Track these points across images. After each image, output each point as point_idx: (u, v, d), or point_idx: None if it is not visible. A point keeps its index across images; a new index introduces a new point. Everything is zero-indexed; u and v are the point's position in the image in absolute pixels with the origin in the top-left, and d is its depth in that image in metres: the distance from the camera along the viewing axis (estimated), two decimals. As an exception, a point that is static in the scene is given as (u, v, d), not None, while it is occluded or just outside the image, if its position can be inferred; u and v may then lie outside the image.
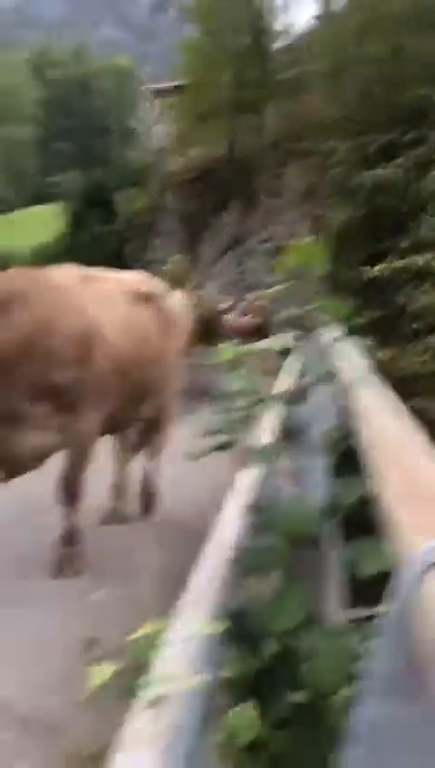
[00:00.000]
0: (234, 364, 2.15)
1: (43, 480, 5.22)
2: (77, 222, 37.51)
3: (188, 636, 1.58)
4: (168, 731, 1.18)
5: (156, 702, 1.27)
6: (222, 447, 2.11)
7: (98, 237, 34.40)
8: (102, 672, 2.51)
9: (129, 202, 36.50)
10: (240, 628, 1.93)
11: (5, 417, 3.98)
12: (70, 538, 4.74)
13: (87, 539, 4.93)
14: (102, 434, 5.06)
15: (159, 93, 41.76)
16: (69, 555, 4.70)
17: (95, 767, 2.60)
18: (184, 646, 1.55)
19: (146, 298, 5.35)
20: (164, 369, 5.49)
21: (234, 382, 2.08)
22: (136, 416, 5.49)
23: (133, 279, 5.71)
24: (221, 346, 2.20)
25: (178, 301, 6.59)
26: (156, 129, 42.25)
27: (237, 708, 1.54)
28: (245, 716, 1.48)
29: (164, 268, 14.43)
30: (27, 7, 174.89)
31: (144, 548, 4.99)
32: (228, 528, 2.49)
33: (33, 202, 70.55)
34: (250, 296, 18.10)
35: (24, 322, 3.98)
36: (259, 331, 11.56)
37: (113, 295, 4.95)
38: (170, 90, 37.47)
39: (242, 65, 29.16)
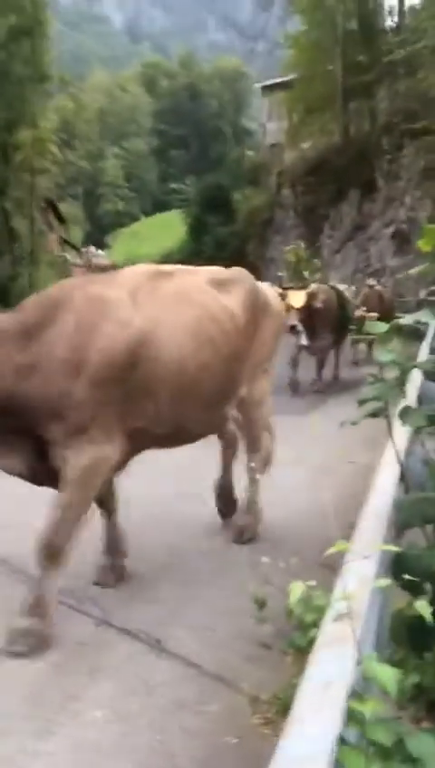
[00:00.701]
0: (385, 338, 2.40)
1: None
2: (198, 226, 38.66)
3: (362, 573, 1.94)
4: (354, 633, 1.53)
5: (342, 616, 1.63)
6: (375, 414, 2.41)
7: (219, 239, 35.23)
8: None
9: (246, 202, 37.13)
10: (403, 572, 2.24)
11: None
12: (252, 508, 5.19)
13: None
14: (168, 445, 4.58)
15: (269, 90, 42.08)
16: (248, 524, 5.18)
17: (272, 709, 3.04)
18: (359, 577, 1.92)
19: (229, 284, 4.77)
20: (253, 358, 4.91)
21: (385, 355, 2.33)
22: (221, 415, 4.87)
23: (216, 270, 5.02)
24: (373, 322, 2.47)
25: (268, 288, 5.53)
26: (268, 126, 42.57)
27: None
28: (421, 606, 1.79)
29: (285, 252, 13.48)
30: (136, 24, 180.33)
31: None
32: (386, 483, 2.85)
33: (154, 211, 73.12)
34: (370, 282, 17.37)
35: (58, 335, 3.68)
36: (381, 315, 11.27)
37: (188, 289, 4.41)
38: (279, 85, 37.73)
39: (350, 51, 28.93)
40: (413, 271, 3.15)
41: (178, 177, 60.11)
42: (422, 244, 2.35)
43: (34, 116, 29.32)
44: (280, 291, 10.96)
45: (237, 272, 5.12)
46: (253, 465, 5.21)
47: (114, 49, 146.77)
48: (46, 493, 3.90)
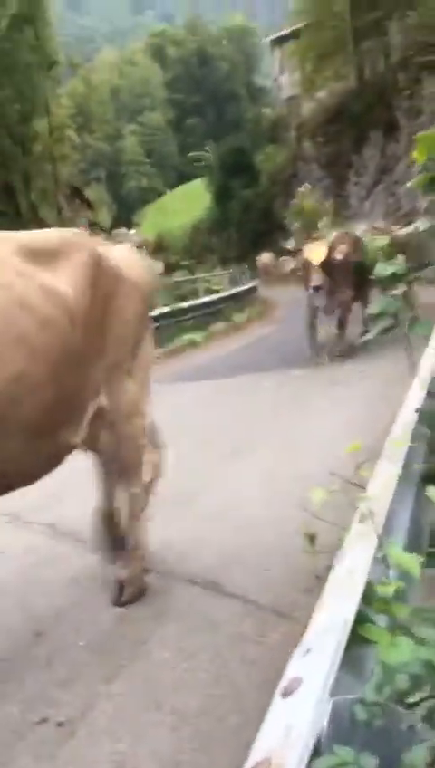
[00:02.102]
0: (388, 254, 2.42)
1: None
2: (222, 192, 38.31)
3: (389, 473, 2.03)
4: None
5: (365, 516, 1.72)
6: (387, 329, 2.45)
7: (245, 202, 34.91)
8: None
9: (268, 161, 36.60)
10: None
11: None
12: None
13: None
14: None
15: (278, 43, 41.15)
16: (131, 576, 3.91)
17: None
18: (384, 483, 2.00)
19: (54, 255, 3.29)
20: (107, 356, 3.54)
21: (386, 268, 2.35)
22: (61, 443, 3.53)
23: (35, 235, 3.62)
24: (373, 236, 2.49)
25: (123, 253, 3.83)
26: (281, 80, 41.75)
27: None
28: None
29: (292, 201, 12.09)
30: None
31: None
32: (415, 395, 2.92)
33: (178, 183, 72.75)
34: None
35: None
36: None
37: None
38: (288, 36, 36.85)
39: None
40: (410, 184, 3.11)
41: (198, 145, 59.51)
42: (417, 155, 2.35)
43: (48, 104, 29.35)
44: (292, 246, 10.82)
45: (69, 236, 3.61)
46: (132, 493, 3.93)
47: (118, 23, 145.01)
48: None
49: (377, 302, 2.32)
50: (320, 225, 10.99)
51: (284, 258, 12.08)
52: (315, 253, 10.32)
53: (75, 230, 3.92)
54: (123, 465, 3.92)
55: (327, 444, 6.02)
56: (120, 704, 2.89)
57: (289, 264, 11.39)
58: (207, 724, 2.71)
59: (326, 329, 11.06)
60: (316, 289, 10.30)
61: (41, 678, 3.13)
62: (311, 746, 1.01)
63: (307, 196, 11.71)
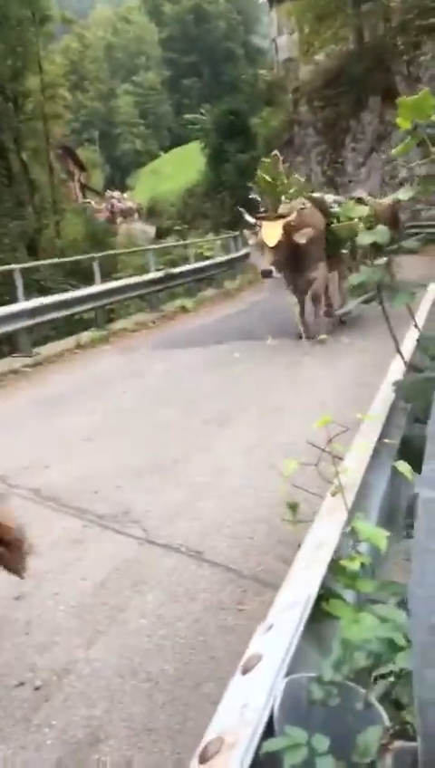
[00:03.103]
0: (368, 221, 2.37)
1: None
2: (217, 155, 37.70)
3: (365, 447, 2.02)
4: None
5: (337, 490, 1.71)
6: (367, 301, 2.42)
7: (240, 166, 34.40)
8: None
9: (264, 124, 35.98)
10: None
11: None
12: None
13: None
14: None
15: (277, 1, 40.14)
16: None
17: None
18: (359, 457, 1.99)
19: None
20: None
21: (367, 237, 2.30)
22: None
23: None
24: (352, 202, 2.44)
25: None
26: (279, 41, 40.85)
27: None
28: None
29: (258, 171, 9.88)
30: None
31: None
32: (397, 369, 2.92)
33: (172, 146, 71.59)
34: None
35: None
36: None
37: None
38: (287, -5, 35.93)
39: None
40: (393, 151, 3.05)
41: (194, 106, 58.43)
42: (400, 122, 2.29)
43: (40, 60, 28.63)
44: (253, 221, 9.26)
45: None
46: None
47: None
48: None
49: (358, 272, 2.28)
50: (284, 198, 9.44)
51: (248, 232, 9.98)
52: (270, 232, 8.94)
53: None
54: None
55: (313, 414, 6.03)
56: (97, 669, 2.92)
57: (251, 239, 9.66)
58: (181, 691, 2.73)
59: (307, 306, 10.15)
60: (265, 274, 9.10)
61: (19, 642, 3.15)
62: (263, 725, 1.01)
63: (272, 164, 9.78)
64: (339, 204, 10.28)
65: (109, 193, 54.99)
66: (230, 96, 46.20)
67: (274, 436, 5.66)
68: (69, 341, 11.23)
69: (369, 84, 26.62)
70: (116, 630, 3.17)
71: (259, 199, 9.93)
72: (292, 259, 9.24)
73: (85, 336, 11.44)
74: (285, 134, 32.90)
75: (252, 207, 9.69)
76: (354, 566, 1.39)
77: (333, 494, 1.72)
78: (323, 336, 9.01)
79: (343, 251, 10.25)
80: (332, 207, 10.05)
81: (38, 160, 30.29)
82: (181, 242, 23.33)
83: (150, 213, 49.00)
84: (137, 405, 7.24)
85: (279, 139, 33.10)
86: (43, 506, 4.70)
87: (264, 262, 8.98)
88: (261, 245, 9.05)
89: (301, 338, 9.33)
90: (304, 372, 7.91)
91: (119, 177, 69.46)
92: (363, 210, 2.24)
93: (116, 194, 55.22)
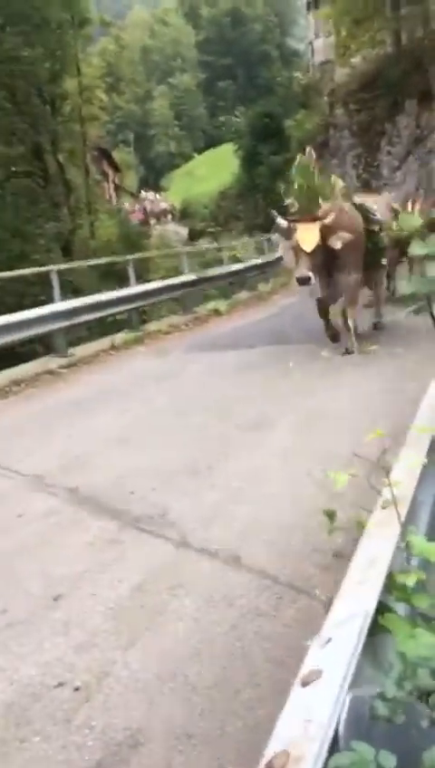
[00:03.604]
0: (423, 234, 2.33)
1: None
2: (251, 158, 37.73)
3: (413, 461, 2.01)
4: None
5: (388, 502, 1.70)
6: (418, 311, 2.39)
7: (274, 168, 34.35)
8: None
9: (299, 127, 35.91)
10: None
11: None
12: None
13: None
14: None
15: (314, 4, 40.04)
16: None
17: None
18: (409, 470, 1.98)
19: None
20: None
21: (420, 248, 2.26)
22: None
23: None
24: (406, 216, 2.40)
25: None
26: (315, 44, 40.76)
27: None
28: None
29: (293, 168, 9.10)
30: None
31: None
32: None
33: (206, 147, 71.85)
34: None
35: None
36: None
37: None
38: (325, -2, 35.86)
39: None
40: None
41: (228, 108, 58.54)
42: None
43: (78, 63, 28.91)
44: (286, 224, 8.50)
45: None
46: None
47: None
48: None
49: (409, 281, 2.26)
50: (321, 201, 8.59)
51: (279, 237, 9.36)
52: (306, 236, 8.25)
53: None
54: None
55: (348, 422, 6.01)
56: (135, 672, 2.93)
57: (283, 244, 8.97)
58: (220, 696, 2.74)
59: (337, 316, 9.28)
60: (303, 281, 8.20)
61: (58, 643, 3.18)
62: (329, 741, 1.01)
63: (306, 164, 8.95)
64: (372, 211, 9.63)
65: (143, 194, 55.42)
66: (265, 98, 46.25)
67: (310, 443, 5.65)
68: (103, 342, 11.32)
69: (405, 88, 26.40)
70: (153, 634, 3.19)
71: (292, 203, 9.01)
72: (326, 264, 8.60)
73: (119, 337, 11.53)
74: (319, 137, 32.74)
75: (283, 212, 8.93)
76: (410, 581, 1.39)
77: (384, 507, 1.71)
78: (372, 347, 8.53)
79: (383, 261, 9.87)
80: (373, 215, 9.55)
81: (74, 162, 30.58)
82: (215, 244, 23.37)
83: (184, 214, 49.20)
84: (171, 407, 7.27)
85: (314, 142, 32.97)
86: (79, 506, 4.74)
87: (299, 268, 8.23)
88: (296, 250, 8.36)
89: (335, 342, 9.13)
90: (342, 378, 7.86)
91: (153, 179, 69.86)
92: (417, 221, 2.21)
93: (150, 195, 55.64)
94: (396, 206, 11.60)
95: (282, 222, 8.65)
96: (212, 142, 68.73)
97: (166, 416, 6.93)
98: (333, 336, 9.26)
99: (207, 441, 5.99)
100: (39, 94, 26.36)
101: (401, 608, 1.48)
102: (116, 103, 66.90)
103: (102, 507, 4.68)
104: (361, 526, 2.93)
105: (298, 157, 9.32)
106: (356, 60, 31.60)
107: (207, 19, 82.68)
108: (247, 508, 4.48)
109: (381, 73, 27.76)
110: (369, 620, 1.21)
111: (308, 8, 41.77)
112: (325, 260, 8.51)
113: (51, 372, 9.52)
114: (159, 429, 6.48)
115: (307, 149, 9.48)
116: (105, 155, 45.49)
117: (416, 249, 2.14)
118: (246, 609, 3.31)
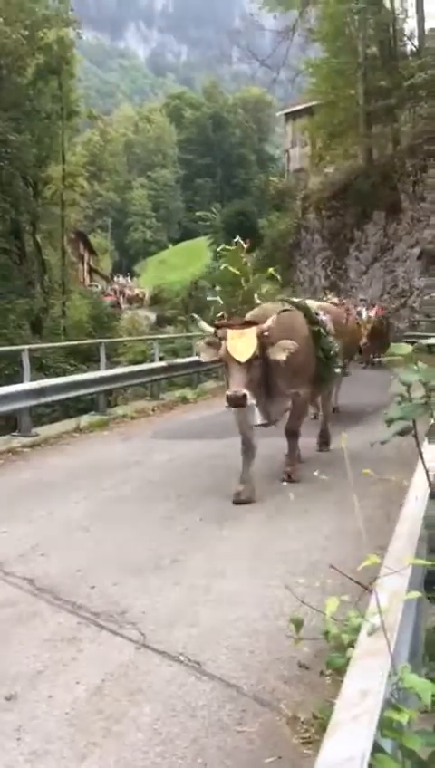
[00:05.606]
0: (410, 359, 2.40)
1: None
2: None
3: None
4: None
5: (375, 630, 1.68)
6: (403, 433, 2.44)
7: (246, 264, 35.44)
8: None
9: (272, 227, 37.41)
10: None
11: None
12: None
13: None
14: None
15: (292, 117, 42.59)
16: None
17: (311, 728, 3.07)
18: (392, 591, 1.97)
19: None
20: None
21: (411, 374, 2.33)
22: None
23: None
24: (396, 344, 2.45)
25: None
26: (292, 152, 43.03)
27: None
28: None
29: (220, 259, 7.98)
30: (160, 57, 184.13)
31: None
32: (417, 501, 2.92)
33: (181, 239, 74.10)
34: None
35: None
36: None
37: None
38: (302, 111, 38.18)
39: (372, 76, 29.18)
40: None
41: (205, 204, 60.78)
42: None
43: (64, 151, 30.00)
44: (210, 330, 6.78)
45: None
46: None
47: (139, 82, 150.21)
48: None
49: (393, 407, 2.32)
50: (257, 296, 7.32)
51: (199, 343, 7.38)
52: (239, 344, 6.38)
53: None
54: None
55: (315, 520, 5.99)
56: (90, 786, 2.78)
57: (205, 352, 6.90)
58: None
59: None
60: (236, 401, 6.26)
61: (10, 748, 3.00)
62: None
63: (233, 254, 7.62)
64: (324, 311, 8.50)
65: (116, 279, 56.57)
66: (241, 198, 48.29)
67: (278, 540, 5.61)
68: (68, 424, 11.24)
69: (374, 199, 27.87)
70: (111, 743, 3.03)
71: (220, 301, 7.63)
72: (264, 380, 6.76)
73: (85, 419, 11.46)
74: (291, 238, 34.11)
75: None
76: (403, 719, 1.36)
77: (370, 634, 1.70)
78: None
79: (337, 370, 8.73)
80: (317, 315, 8.08)
81: (51, 243, 31.23)
82: (184, 333, 23.74)
83: (155, 300, 50.15)
84: (135, 495, 7.18)
85: (286, 242, 34.31)
86: (37, 598, 4.58)
87: (231, 384, 6.35)
88: (227, 361, 6.47)
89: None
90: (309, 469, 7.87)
91: (126, 263, 71.43)
92: (407, 348, 2.28)
93: (122, 280, 56.83)
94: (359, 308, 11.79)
95: (205, 327, 6.96)
96: (187, 234, 71.01)
97: (130, 505, 6.83)
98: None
99: (171, 533, 5.90)
100: (23, 177, 27.12)
101: (387, 744, 1.45)
102: (97, 191, 69.02)
103: (61, 600, 4.52)
104: (327, 635, 2.89)
105: (221, 246, 8.00)
106: (329, 170, 33.39)
107: (190, 120, 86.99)
108: (210, 609, 4.37)
109: (353, 184, 29.29)
110: (366, 764, 1.18)
111: (286, 119, 44.33)
112: (264, 374, 6.73)
113: (13, 451, 9.37)
114: (122, 519, 6.37)
115: (236, 238, 8.05)
116: (82, 238, 46.58)
117: (406, 376, 2.21)
118: (208, 721, 3.18)
